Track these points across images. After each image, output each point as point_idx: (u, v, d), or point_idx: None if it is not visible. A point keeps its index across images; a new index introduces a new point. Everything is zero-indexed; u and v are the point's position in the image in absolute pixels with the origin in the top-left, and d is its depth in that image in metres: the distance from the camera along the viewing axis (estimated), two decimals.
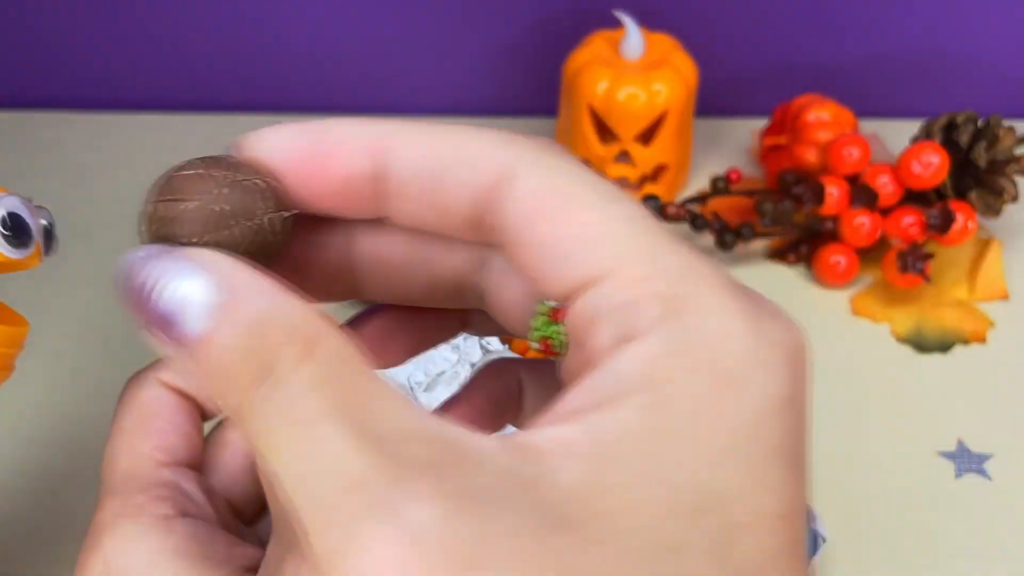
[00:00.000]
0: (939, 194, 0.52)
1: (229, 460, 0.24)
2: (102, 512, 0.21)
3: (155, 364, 0.24)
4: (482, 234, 0.19)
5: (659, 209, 0.51)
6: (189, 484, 0.23)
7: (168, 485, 0.22)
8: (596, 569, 0.15)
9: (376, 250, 0.21)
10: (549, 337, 0.19)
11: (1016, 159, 0.50)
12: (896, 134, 0.58)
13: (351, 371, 0.16)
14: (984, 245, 0.53)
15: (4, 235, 0.26)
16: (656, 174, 0.56)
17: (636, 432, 0.16)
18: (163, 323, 0.17)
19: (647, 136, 0.55)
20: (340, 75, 0.65)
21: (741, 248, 0.54)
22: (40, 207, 0.28)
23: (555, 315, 0.19)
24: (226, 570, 0.20)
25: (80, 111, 0.65)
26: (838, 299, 0.52)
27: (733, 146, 0.62)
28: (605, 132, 0.55)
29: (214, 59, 0.64)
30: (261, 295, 0.17)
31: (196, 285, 0.16)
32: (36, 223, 0.27)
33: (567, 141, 0.56)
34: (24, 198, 0.27)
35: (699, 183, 0.59)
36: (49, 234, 0.28)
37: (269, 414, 0.16)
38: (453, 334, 0.24)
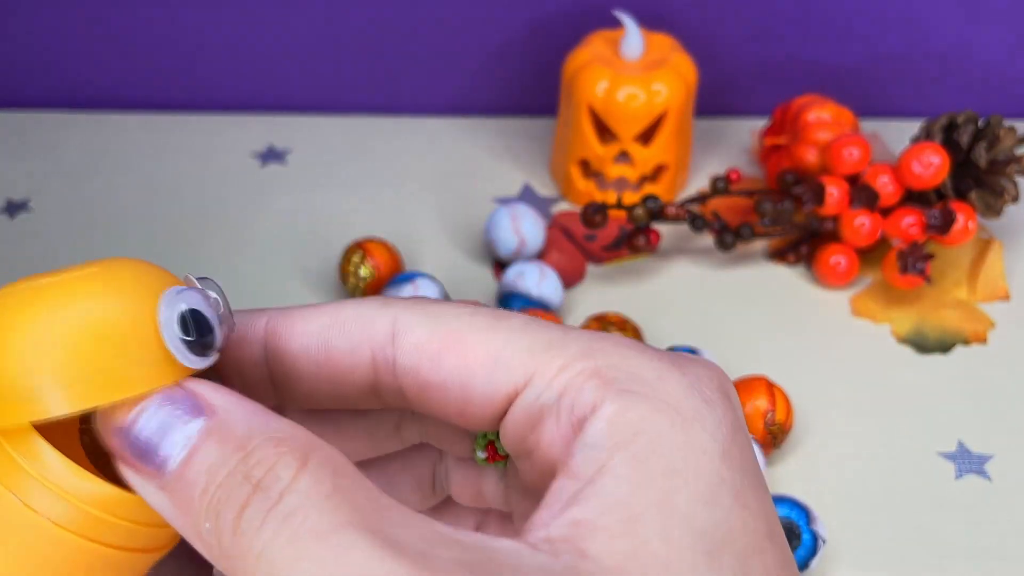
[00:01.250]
0: (939, 194, 0.52)
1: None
2: None
3: None
4: (382, 400, 0.20)
5: (659, 209, 0.51)
6: None
7: None
8: None
9: (286, 369, 0.21)
10: (492, 441, 0.21)
11: (1016, 159, 0.50)
12: (896, 134, 0.58)
13: (351, 480, 0.16)
14: (985, 245, 0.53)
15: (185, 341, 0.18)
16: (656, 174, 0.56)
17: (638, 490, 0.16)
18: (143, 447, 0.17)
19: (647, 136, 0.54)
20: (340, 76, 0.65)
21: (741, 248, 0.54)
22: (209, 287, 0.20)
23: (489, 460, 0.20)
24: None
25: (79, 111, 0.65)
26: (838, 300, 0.52)
27: (733, 146, 0.62)
28: (605, 132, 0.55)
29: (214, 59, 0.64)
30: (247, 413, 0.17)
31: (184, 408, 0.17)
32: (217, 319, 0.19)
33: (567, 141, 0.56)
34: (203, 290, 0.20)
35: (699, 183, 0.59)
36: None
37: (274, 530, 0.15)
38: (387, 446, 0.23)
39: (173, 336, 0.18)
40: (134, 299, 0.18)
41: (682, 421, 0.17)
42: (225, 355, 0.19)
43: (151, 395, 0.17)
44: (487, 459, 0.22)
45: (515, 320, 0.19)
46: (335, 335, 0.20)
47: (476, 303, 0.20)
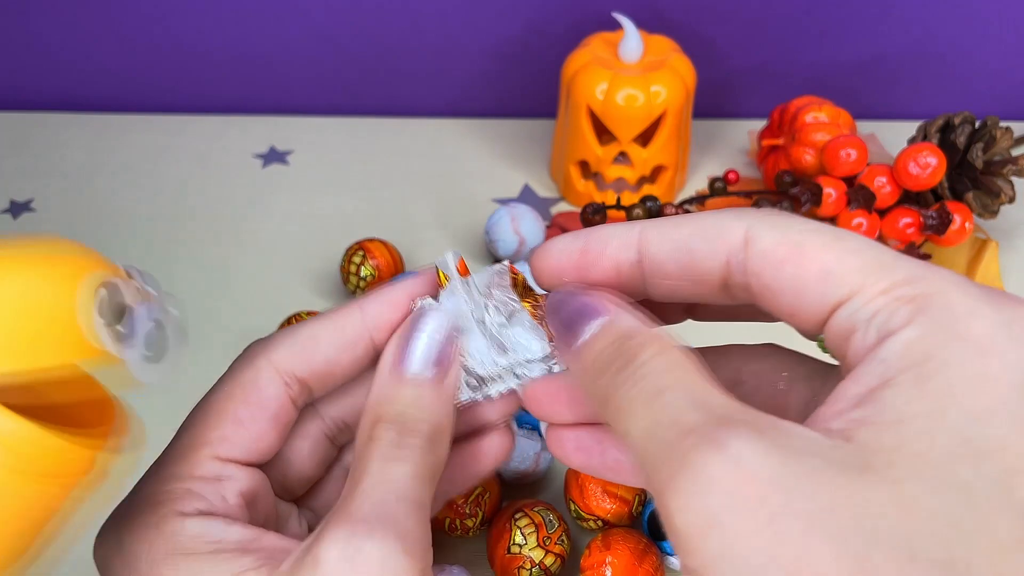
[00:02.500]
0: (936, 195, 0.52)
1: (296, 444, 0.29)
2: (146, 483, 0.25)
3: (272, 341, 0.28)
4: (731, 295, 0.24)
5: (658, 210, 0.51)
6: (232, 483, 0.26)
7: (206, 480, 0.26)
8: (896, 501, 0.17)
9: (655, 268, 0.26)
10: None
11: (1013, 160, 0.50)
12: (893, 135, 0.58)
13: (690, 365, 0.21)
14: (981, 246, 0.53)
15: (102, 324, 0.21)
16: (654, 175, 0.57)
17: (913, 400, 0.19)
18: (567, 328, 0.24)
19: (646, 137, 0.55)
20: (341, 78, 0.65)
21: None
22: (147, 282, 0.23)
23: None
24: (238, 563, 0.24)
25: (82, 112, 0.66)
26: None
27: (731, 147, 0.63)
28: (604, 133, 0.55)
29: (214, 61, 0.64)
30: (633, 319, 0.23)
31: (593, 306, 0.24)
32: (146, 311, 0.22)
33: (566, 143, 0.56)
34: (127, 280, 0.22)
35: (697, 184, 0.60)
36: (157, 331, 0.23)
37: (630, 390, 0.21)
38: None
39: (88, 318, 0.20)
40: (60, 280, 0.20)
41: (977, 352, 0.19)
42: (602, 261, 0.25)
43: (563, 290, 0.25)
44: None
45: (852, 242, 0.21)
46: (698, 240, 0.23)
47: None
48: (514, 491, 0.42)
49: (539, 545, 0.37)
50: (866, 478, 0.18)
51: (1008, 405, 0.19)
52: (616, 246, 0.25)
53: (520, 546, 0.36)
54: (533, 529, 0.37)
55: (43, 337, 0.20)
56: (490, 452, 0.31)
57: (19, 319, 0.19)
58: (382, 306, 0.28)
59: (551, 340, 0.27)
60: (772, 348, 0.27)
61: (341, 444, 0.32)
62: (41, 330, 0.20)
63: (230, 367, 0.28)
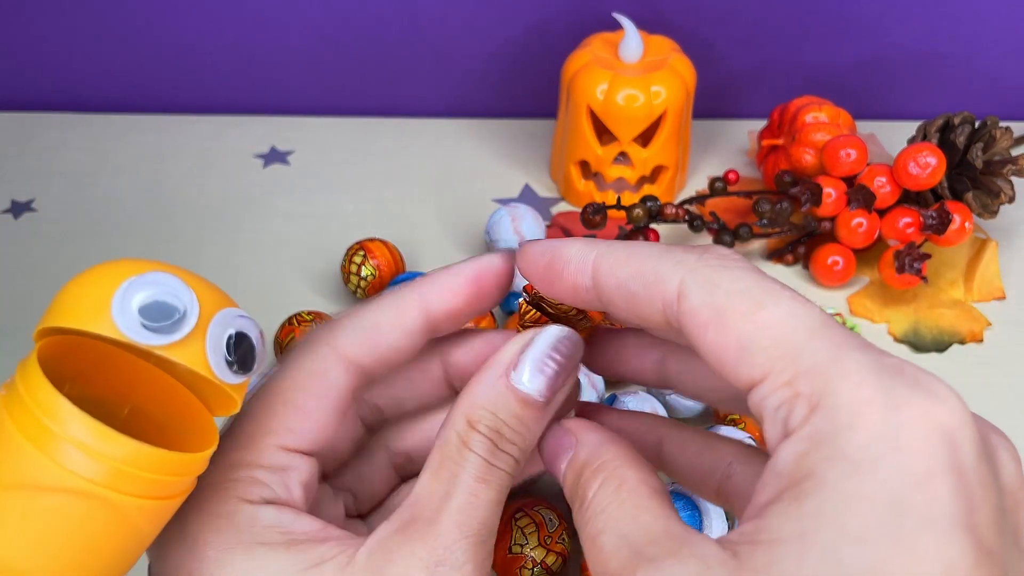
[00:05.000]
0: (936, 195, 0.52)
1: (365, 462, 0.31)
2: (207, 474, 0.25)
3: (335, 328, 0.28)
4: (676, 337, 0.24)
5: (658, 210, 0.51)
6: (296, 473, 0.26)
7: (272, 470, 0.26)
8: None
9: (606, 294, 0.27)
10: None
11: (1012, 160, 0.50)
12: (893, 135, 0.58)
13: (625, 492, 0.23)
14: (981, 245, 0.53)
15: (228, 361, 0.23)
16: (655, 175, 0.57)
17: (788, 521, 0.19)
18: (551, 467, 0.27)
19: (646, 137, 0.55)
20: (342, 78, 0.65)
21: (739, 248, 0.54)
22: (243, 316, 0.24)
23: None
24: (313, 554, 0.24)
25: (84, 112, 0.66)
26: (836, 299, 0.52)
27: (731, 147, 0.63)
28: (604, 133, 0.55)
29: (214, 61, 0.64)
30: (590, 446, 0.26)
31: (565, 442, 0.27)
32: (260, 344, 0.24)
33: (566, 143, 0.57)
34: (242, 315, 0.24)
35: (697, 184, 0.60)
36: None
37: (583, 528, 0.24)
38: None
39: (124, 311, 0.22)
40: (108, 280, 0.23)
41: (853, 471, 0.19)
42: (562, 280, 0.26)
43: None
44: None
45: (774, 311, 0.22)
46: (638, 285, 0.24)
47: (745, 264, 0.23)
48: (514, 491, 0.42)
49: (540, 544, 0.37)
50: None
51: (882, 526, 0.18)
52: (572, 270, 0.25)
53: (521, 546, 0.37)
54: (534, 529, 0.37)
55: (85, 309, 0.22)
56: (532, 462, 0.31)
57: (78, 297, 0.22)
58: (442, 292, 0.28)
59: None
60: (715, 437, 0.29)
61: (370, 426, 0.32)
62: (86, 308, 0.22)
63: (292, 352, 0.28)
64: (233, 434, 0.26)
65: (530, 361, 0.26)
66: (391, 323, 0.28)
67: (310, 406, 0.27)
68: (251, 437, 0.26)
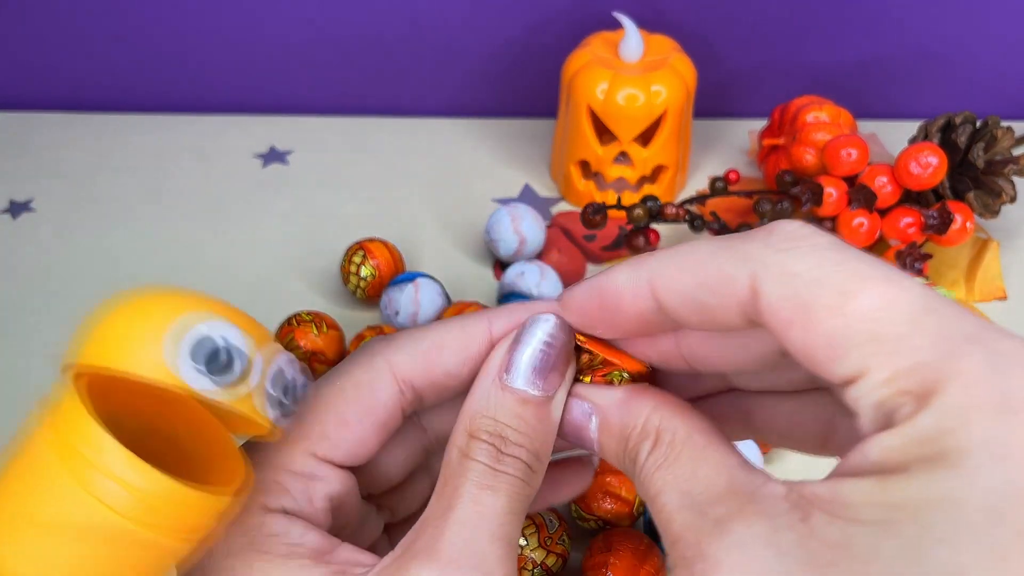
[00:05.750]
0: (937, 195, 0.52)
1: (393, 451, 0.29)
2: (257, 471, 0.24)
3: (394, 343, 0.27)
4: (762, 336, 0.23)
5: (658, 210, 0.51)
6: (322, 484, 0.25)
7: (298, 476, 0.25)
8: None
9: (702, 348, 0.26)
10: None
11: (1014, 160, 0.50)
12: (894, 135, 0.58)
13: (682, 449, 0.22)
14: (982, 245, 0.53)
15: (281, 404, 0.23)
16: (655, 175, 0.57)
17: (874, 507, 0.18)
18: (577, 438, 0.25)
19: (646, 137, 0.55)
20: (341, 77, 0.65)
21: None
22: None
23: None
24: (308, 573, 0.23)
25: (82, 112, 0.66)
26: None
27: (732, 147, 0.63)
28: (604, 133, 0.55)
29: (213, 61, 0.64)
30: (619, 408, 0.24)
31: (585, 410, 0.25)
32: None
33: (567, 142, 0.56)
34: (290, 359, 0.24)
35: (698, 184, 0.60)
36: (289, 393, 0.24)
37: (641, 490, 0.23)
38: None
39: (175, 353, 0.21)
40: (157, 319, 0.22)
41: (948, 474, 0.18)
42: (623, 314, 0.24)
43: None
44: None
45: (869, 298, 0.19)
46: (706, 294, 0.22)
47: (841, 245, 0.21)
48: None
49: (540, 546, 0.37)
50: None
51: (972, 532, 0.17)
52: (630, 301, 0.23)
53: (521, 547, 0.36)
54: (534, 530, 0.37)
55: (134, 351, 0.21)
56: (569, 483, 0.30)
57: (122, 337, 0.21)
58: (512, 323, 0.26)
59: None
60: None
61: (434, 454, 0.30)
62: (134, 347, 0.21)
63: (348, 361, 0.27)
64: None
65: (519, 358, 0.25)
66: (455, 346, 0.26)
67: (351, 417, 0.26)
68: (286, 441, 0.25)
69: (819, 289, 0.20)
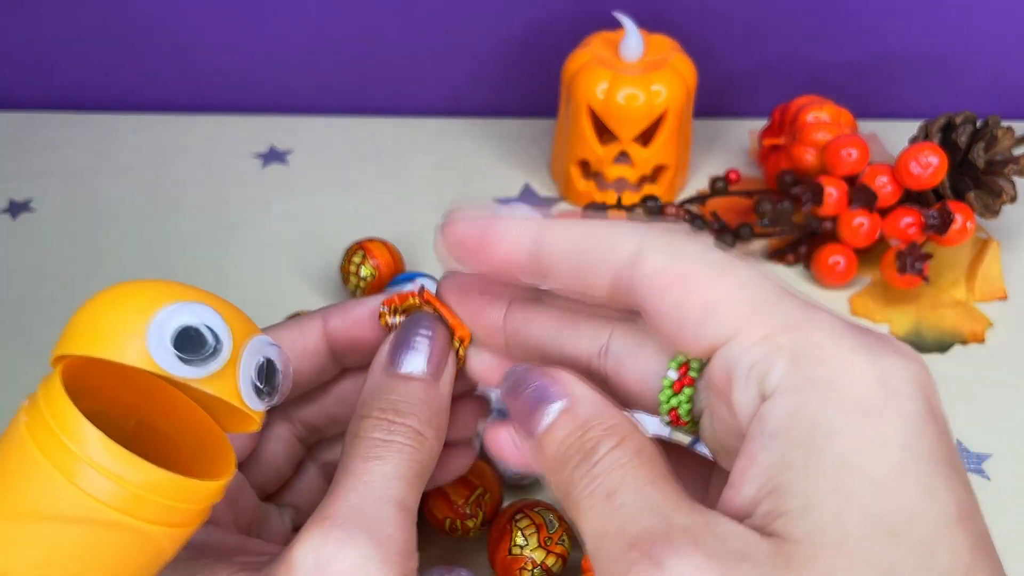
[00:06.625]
0: (937, 195, 0.52)
1: (269, 447, 0.30)
2: None
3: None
4: (620, 303, 0.23)
5: (658, 210, 0.51)
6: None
7: None
8: None
9: (525, 333, 0.27)
10: (675, 408, 0.24)
11: (1014, 160, 0.50)
12: (894, 135, 0.58)
13: (643, 459, 0.22)
14: (982, 245, 0.53)
15: (258, 389, 0.23)
16: (655, 174, 0.57)
17: (813, 480, 0.19)
18: (526, 413, 0.23)
19: (646, 137, 0.55)
20: (341, 77, 0.65)
21: (740, 248, 0.54)
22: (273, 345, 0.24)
23: (676, 387, 0.23)
24: (214, 570, 0.24)
25: (82, 112, 0.65)
26: (837, 299, 0.52)
27: (732, 147, 0.63)
28: (604, 133, 0.55)
29: (212, 60, 0.64)
30: (592, 404, 0.23)
31: (552, 389, 0.23)
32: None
33: (567, 142, 0.56)
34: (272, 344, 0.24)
35: (698, 183, 0.60)
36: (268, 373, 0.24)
37: (585, 488, 0.21)
38: None
39: (160, 344, 0.21)
40: (138, 306, 0.22)
41: (861, 415, 0.19)
42: (495, 251, 0.25)
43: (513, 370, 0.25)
44: (670, 423, 0.24)
45: (739, 274, 0.21)
46: (590, 246, 0.23)
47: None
48: (514, 492, 0.42)
49: (540, 546, 0.36)
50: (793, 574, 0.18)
51: (906, 469, 0.19)
52: (510, 240, 0.24)
53: (521, 547, 0.36)
54: (534, 530, 0.37)
55: (115, 337, 0.21)
56: (450, 467, 0.31)
57: (103, 323, 0.21)
58: (345, 321, 0.29)
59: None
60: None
61: (310, 444, 0.32)
62: (117, 335, 0.21)
63: None
64: None
65: (398, 346, 0.27)
66: (291, 345, 0.28)
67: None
68: None
69: (699, 264, 0.22)
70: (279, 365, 0.24)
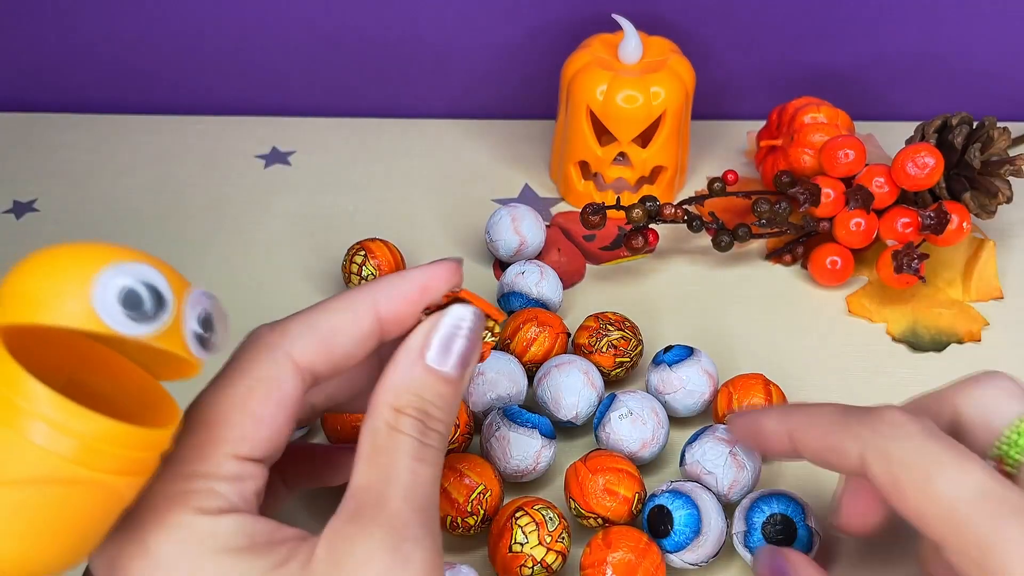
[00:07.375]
0: (934, 195, 0.52)
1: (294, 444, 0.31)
2: (161, 482, 0.25)
3: (289, 332, 0.28)
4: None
5: (657, 210, 0.52)
6: (252, 483, 0.26)
7: (228, 480, 0.26)
8: None
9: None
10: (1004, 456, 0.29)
11: (1010, 160, 0.51)
12: (891, 136, 0.59)
13: None
14: (978, 245, 0.53)
15: (201, 338, 0.24)
16: (654, 175, 0.57)
17: None
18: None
19: (645, 138, 0.55)
20: (342, 79, 0.65)
21: (738, 249, 0.55)
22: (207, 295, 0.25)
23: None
24: (270, 558, 0.24)
25: (86, 114, 0.66)
26: (834, 299, 0.53)
27: (730, 148, 0.63)
28: (603, 134, 0.55)
29: (214, 62, 0.65)
30: None
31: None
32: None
33: (566, 143, 0.57)
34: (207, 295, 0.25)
35: (696, 184, 0.60)
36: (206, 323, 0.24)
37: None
38: None
39: (107, 305, 0.21)
40: (75, 268, 0.22)
41: None
42: (767, 446, 0.34)
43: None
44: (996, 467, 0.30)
45: (943, 481, 0.26)
46: (831, 457, 0.30)
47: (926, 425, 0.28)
48: (514, 489, 0.42)
49: (540, 543, 0.37)
50: None
51: None
52: (774, 441, 0.33)
53: (522, 544, 0.37)
54: (534, 527, 0.37)
55: (54, 299, 0.21)
56: (345, 468, 0.32)
57: (41, 284, 0.21)
58: (392, 298, 0.29)
59: None
60: None
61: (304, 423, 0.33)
62: (57, 296, 0.21)
63: (242, 356, 0.28)
64: (189, 443, 0.26)
65: (441, 341, 0.28)
66: (349, 331, 0.28)
67: (265, 415, 0.27)
68: (205, 447, 0.26)
69: (906, 471, 0.27)
70: (219, 312, 0.25)
